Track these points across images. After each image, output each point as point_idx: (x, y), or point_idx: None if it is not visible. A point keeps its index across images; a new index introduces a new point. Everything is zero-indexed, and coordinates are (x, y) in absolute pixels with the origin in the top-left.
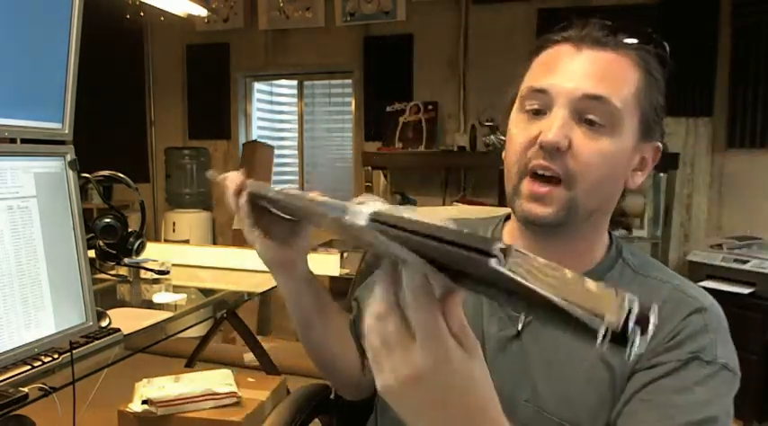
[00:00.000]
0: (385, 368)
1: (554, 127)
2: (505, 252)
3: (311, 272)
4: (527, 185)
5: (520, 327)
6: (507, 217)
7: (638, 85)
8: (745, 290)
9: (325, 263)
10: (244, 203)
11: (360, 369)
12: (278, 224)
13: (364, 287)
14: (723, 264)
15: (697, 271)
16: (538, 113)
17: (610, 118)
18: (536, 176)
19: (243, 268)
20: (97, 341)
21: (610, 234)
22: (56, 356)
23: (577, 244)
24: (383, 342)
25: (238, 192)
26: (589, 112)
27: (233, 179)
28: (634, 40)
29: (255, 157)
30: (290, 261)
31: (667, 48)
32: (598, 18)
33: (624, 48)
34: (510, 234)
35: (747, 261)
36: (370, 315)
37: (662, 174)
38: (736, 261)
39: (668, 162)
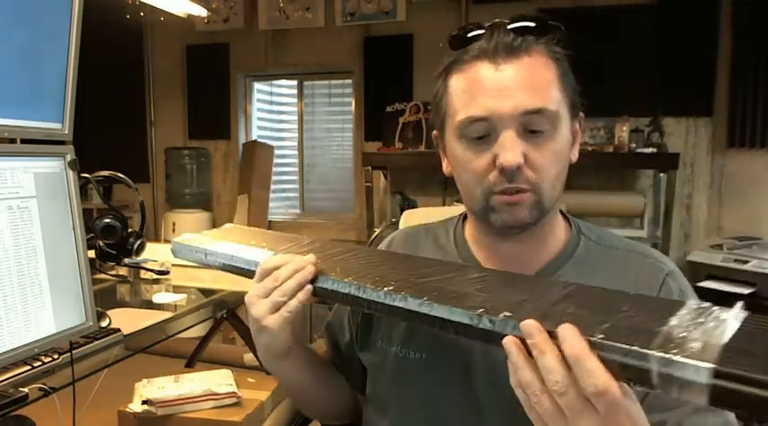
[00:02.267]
0: None
1: (508, 150)
2: None
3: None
4: (498, 200)
5: None
6: (464, 217)
7: (557, 77)
8: (745, 290)
9: None
10: (304, 298)
11: (352, 400)
12: None
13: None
14: (723, 264)
15: (697, 272)
16: (481, 138)
17: (551, 122)
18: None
19: None
20: (97, 342)
21: (561, 212)
22: (56, 356)
23: (547, 232)
24: (567, 408)
25: (303, 285)
26: (532, 125)
27: (301, 268)
28: (539, 32)
29: (255, 157)
30: (298, 342)
31: (562, 27)
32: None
33: (533, 47)
34: (472, 234)
35: (747, 262)
36: (536, 382)
37: (662, 174)
38: (736, 261)
39: (668, 162)
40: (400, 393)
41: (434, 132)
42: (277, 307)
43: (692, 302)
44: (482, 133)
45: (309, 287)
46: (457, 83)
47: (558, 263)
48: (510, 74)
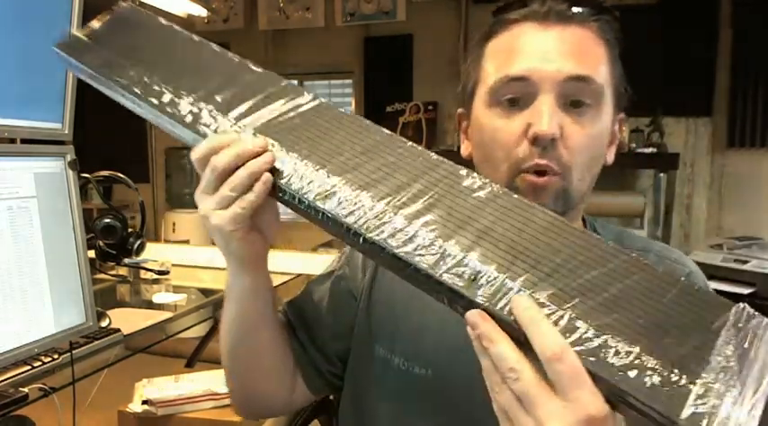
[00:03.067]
0: (539, 419)
1: (545, 117)
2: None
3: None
4: (525, 180)
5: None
6: None
7: (606, 56)
8: (746, 291)
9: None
10: (264, 190)
11: (289, 387)
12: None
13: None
14: (723, 264)
15: None
16: (514, 103)
17: (595, 97)
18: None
19: None
20: (97, 342)
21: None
22: (56, 356)
23: None
24: (521, 397)
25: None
26: (575, 95)
27: (247, 153)
28: (593, 12)
29: None
30: (265, 252)
31: (617, 15)
32: None
33: (586, 22)
34: None
35: (747, 262)
36: (495, 372)
37: (662, 174)
38: (736, 261)
39: (668, 162)
40: (401, 411)
41: (459, 110)
42: (226, 203)
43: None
44: (517, 95)
45: (269, 176)
46: (496, 44)
47: None
48: (558, 37)
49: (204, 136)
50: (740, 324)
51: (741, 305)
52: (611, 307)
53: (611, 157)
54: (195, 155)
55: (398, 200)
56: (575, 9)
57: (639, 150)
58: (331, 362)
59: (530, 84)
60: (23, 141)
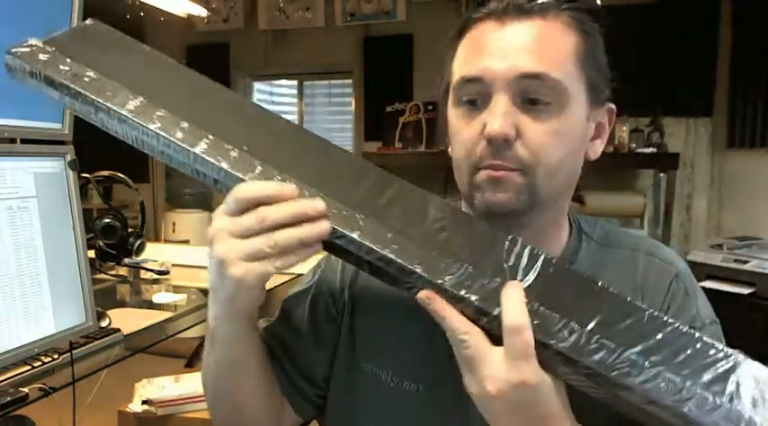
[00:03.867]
0: (480, 378)
1: (497, 116)
2: None
3: None
4: (482, 175)
5: None
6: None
7: (577, 49)
8: (745, 291)
9: None
10: (308, 255)
11: (277, 414)
12: None
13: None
14: (723, 264)
15: (697, 272)
16: (473, 104)
17: (554, 93)
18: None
19: None
20: (97, 342)
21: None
22: (56, 356)
23: (548, 230)
24: (469, 360)
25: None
26: (530, 92)
27: (306, 215)
28: (562, 1)
29: None
30: (263, 298)
31: (598, 1)
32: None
33: (552, 12)
34: None
35: (747, 262)
36: (462, 329)
37: (662, 174)
38: (736, 261)
39: (668, 162)
40: None
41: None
42: (259, 257)
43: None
44: (474, 96)
45: (320, 246)
46: (462, 44)
47: None
48: (514, 32)
49: (237, 178)
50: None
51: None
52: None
53: (594, 152)
54: (242, 194)
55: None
56: (536, 2)
57: (639, 150)
58: (317, 386)
59: (484, 85)
60: (23, 141)
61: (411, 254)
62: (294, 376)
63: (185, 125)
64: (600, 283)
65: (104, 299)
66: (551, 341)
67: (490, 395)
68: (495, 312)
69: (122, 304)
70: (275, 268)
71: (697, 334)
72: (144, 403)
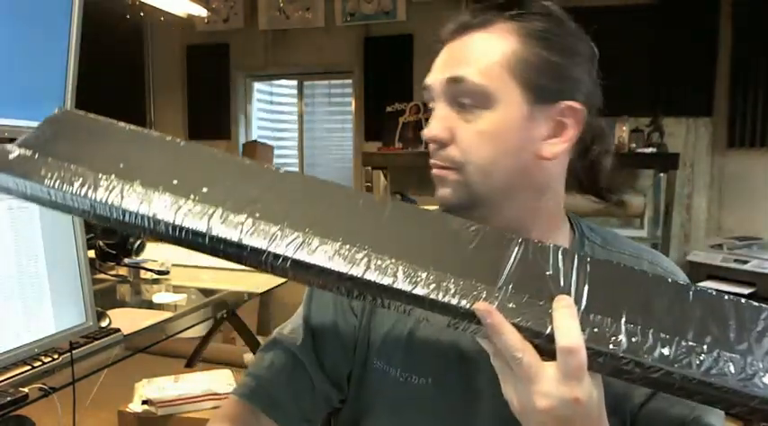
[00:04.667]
0: (529, 393)
1: (431, 121)
2: None
3: None
4: (432, 174)
5: None
6: None
7: (510, 51)
8: (745, 291)
9: None
10: None
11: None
12: None
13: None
14: (723, 264)
15: (697, 272)
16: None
17: (477, 95)
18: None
19: (243, 268)
20: (97, 342)
21: (567, 215)
22: (56, 356)
23: (519, 231)
24: (522, 376)
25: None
26: (458, 96)
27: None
28: (505, 11)
29: (255, 157)
30: None
31: (551, 6)
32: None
33: (494, 23)
34: None
35: (747, 262)
36: (516, 347)
37: (662, 174)
38: (736, 261)
39: (668, 162)
40: (399, 423)
41: None
42: None
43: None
44: (431, 104)
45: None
46: None
47: None
48: (449, 48)
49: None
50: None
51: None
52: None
53: (548, 151)
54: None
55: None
56: (480, 16)
57: (639, 150)
58: (340, 387)
59: (430, 92)
60: None
61: (451, 290)
62: (321, 382)
63: (220, 211)
64: (623, 265)
65: (104, 299)
66: (609, 348)
67: (539, 410)
68: (548, 331)
69: (122, 304)
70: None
71: (726, 297)
72: (144, 403)
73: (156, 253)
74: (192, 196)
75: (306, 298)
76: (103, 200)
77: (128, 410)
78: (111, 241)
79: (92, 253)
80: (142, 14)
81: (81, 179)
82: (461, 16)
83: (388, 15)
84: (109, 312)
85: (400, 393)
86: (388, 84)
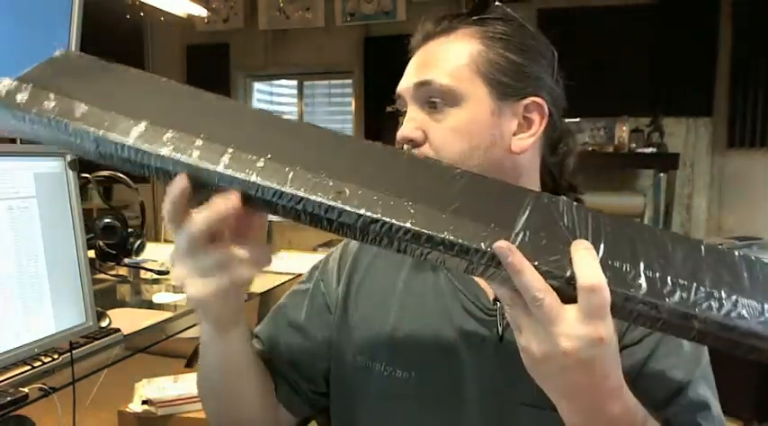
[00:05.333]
0: (552, 335)
1: (405, 122)
2: None
3: None
4: None
5: (500, 330)
6: None
7: (473, 54)
8: None
9: None
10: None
11: (273, 414)
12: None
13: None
14: None
15: None
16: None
17: (444, 95)
18: None
19: None
20: (97, 342)
21: None
22: (56, 356)
23: None
24: (542, 317)
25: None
26: (427, 97)
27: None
28: (465, 18)
29: None
30: (243, 302)
31: (507, 9)
32: (595, 17)
33: (456, 29)
34: None
35: None
36: (537, 286)
37: (662, 174)
38: None
39: (668, 162)
40: (385, 418)
41: None
42: (207, 274)
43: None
44: (403, 109)
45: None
46: None
47: None
48: (416, 56)
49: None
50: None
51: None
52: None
53: (519, 146)
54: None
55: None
56: (444, 23)
57: (639, 150)
58: (313, 382)
59: (402, 99)
60: (23, 141)
61: (469, 232)
62: (288, 372)
63: (200, 143)
64: (637, 221)
65: (104, 299)
66: (630, 291)
67: (562, 352)
68: (568, 274)
69: (122, 304)
70: (229, 280)
71: (737, 252)
72: (144, 403)
73: (156, 253)
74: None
75: (287, 295)
76: (119, 141)
77: (128, 410)
78: (112, 241)
79: (92, 253)
80: (142, 14)
81: (85, 110)
82: (426, 25)
83: (388, 15)
84: (109, 312)
85: (384, 388)
86: (388, 84)
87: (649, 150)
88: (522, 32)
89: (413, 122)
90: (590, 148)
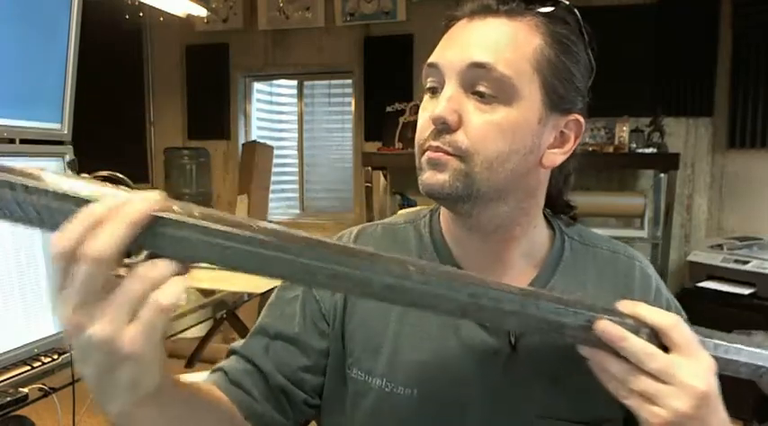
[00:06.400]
0: (684, 382)
1: (441, 101)
2: None
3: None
4: (425, 157)
5: (513, 340)
6: (434, 213)
7: (537, 50)
8: (746, 291)
9: None
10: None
11: None
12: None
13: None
14: (723, 265)
15: (697, 272)
16: (435, 92)
17: (500, 86)
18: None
19: None
20: None
21: (545, 215)
22: (56, 356)
23: (511, 230)
24: (659, 372)
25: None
26: (477, 82)
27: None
28: (534, 5)
29: (255, 157)
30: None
31: (576, 13)
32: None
33: (520, 15)
34: (446, 227)
35: (748, 262)
36: (626, 366)
37: (662, 174)
38: (736, 261)
39: (668, 162)
40: None
41: None
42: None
43: None
44: (433, 84)
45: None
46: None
47: (548, 273)
48: (476, 28)
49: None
50: None
51: None
52: None
53: (551, 161)
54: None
55: None
56: (510, 3)
57: (639, 150)
58: (306, 392)
59: (439, 71)
60: (23, 141)
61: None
62: (279, 382)
63: None
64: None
65: None
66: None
67: (704, 391)
68: (644, 328)
69: None
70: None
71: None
72: None
73: None
74: None
75: (269, 307)
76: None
77: None
78: None
79: None
80: (142, 14)
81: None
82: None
83: (388, 15)
84: None
85: (383, 404)
86: (388, 84)
87: (649, 150)
88: (580, 40)
89: (452, 103)
90: (590, 148)
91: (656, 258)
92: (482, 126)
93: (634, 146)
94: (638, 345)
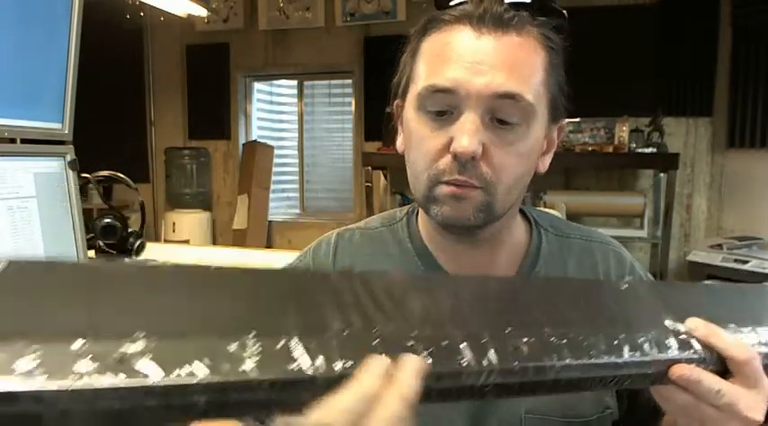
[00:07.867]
0: (742, 415)
1: (466, 134)
2: None
3: None
4: (443, 190)
5: None
6: (410, 216)
7: (544, 68)
8: None
9: None
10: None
11: None
12: None
13: None
14: (723, 264)
15: (697, 272)
16: (441, 114)
17: (523, 114)
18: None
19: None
20: None
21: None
22: None
23: (502, 234)
24: (725, 406)
25: None
26: (501, 113)
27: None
28: (535, 15)
29: (255, 157)
30: None
31: (566, 15)
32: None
33: (526, 27)
34: (427, 232)
35: (747, 262)
36: (715, 382)
37: (662, 174)
38: (736, 261)
39: (668, 162)
40: None
41: (396, 101)
42: None
43: None
44: (443, 108)
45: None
46: (430, 44)
47: (531, 267)
48: (492, 46)
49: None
50: None
51: None
52: None
53: (544, 166)
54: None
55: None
56: (513, 13)
57: (639, 150)
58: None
59: (456, 97)
60: (23, 141)
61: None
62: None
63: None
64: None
65: None
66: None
67: (758, 421)
68: (712, 355)
69: None
70: None
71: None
72: None
73: (156, 253)
74: None
75: None
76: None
77: None
78: (112, 241)
79: (92, 253)
80: (142, 14)
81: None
82: (487, 5)
83: (388, 15)
84: None
85: None
86: (388, 84)
87: (649, 150)
88: (561, 41)
89: (477, 135)
90: (590, 148)
91: (655, 258)
92: (504, 156)
93: (634, 145)
94: (711, 386)
